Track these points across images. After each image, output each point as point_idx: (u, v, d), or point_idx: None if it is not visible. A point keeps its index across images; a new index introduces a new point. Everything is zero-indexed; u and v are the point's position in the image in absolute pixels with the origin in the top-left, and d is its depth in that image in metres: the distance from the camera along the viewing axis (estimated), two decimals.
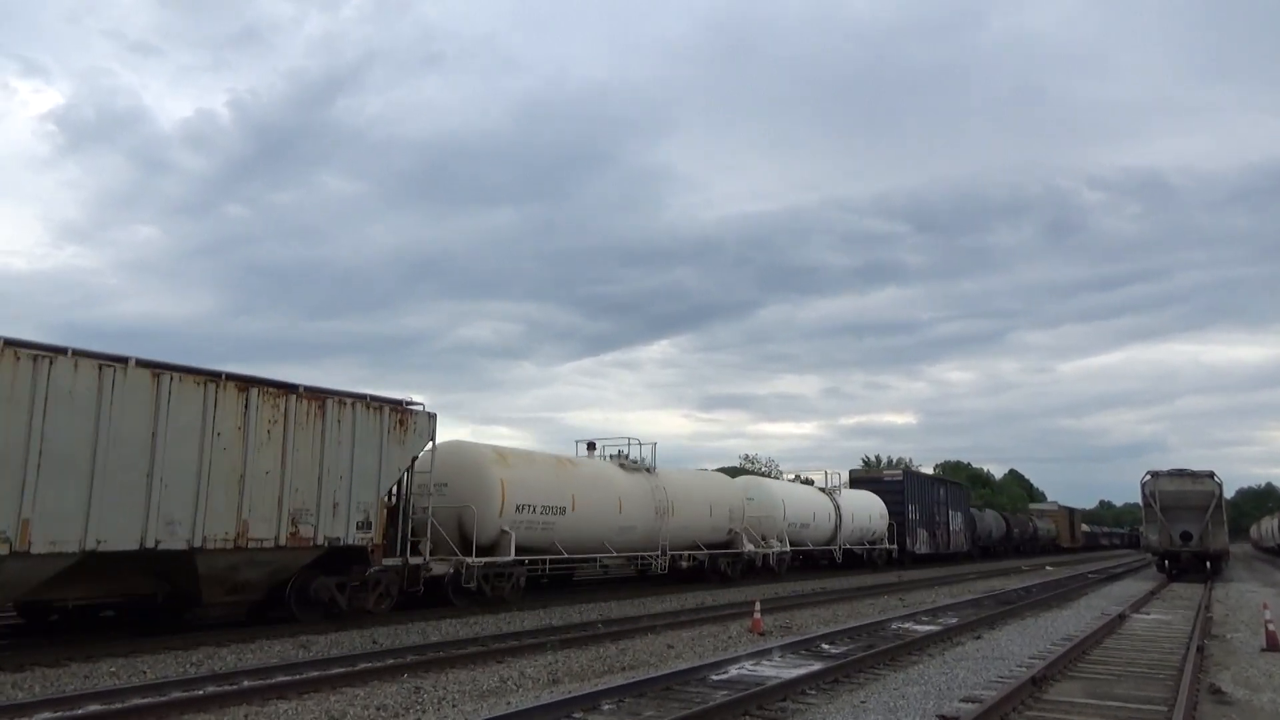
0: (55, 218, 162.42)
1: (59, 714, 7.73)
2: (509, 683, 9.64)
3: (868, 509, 35.35)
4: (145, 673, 9.94)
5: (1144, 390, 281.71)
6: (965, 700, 8.80)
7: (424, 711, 8.22)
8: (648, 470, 22.88)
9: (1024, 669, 10.52)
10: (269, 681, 9.13)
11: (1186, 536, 30.86)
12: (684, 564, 23.67)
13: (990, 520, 54.29)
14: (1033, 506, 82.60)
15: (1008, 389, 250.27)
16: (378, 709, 8.23)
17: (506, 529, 17.36)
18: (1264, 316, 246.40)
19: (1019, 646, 12.83)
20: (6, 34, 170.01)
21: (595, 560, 21.37)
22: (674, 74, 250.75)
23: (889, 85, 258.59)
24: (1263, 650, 13.05)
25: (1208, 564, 31.64)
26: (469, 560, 16.37)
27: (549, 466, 19.53)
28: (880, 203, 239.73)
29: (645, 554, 22.05)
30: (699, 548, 24.27)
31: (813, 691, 9.22)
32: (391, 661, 10.47)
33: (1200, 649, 12.66)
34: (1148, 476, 31.96)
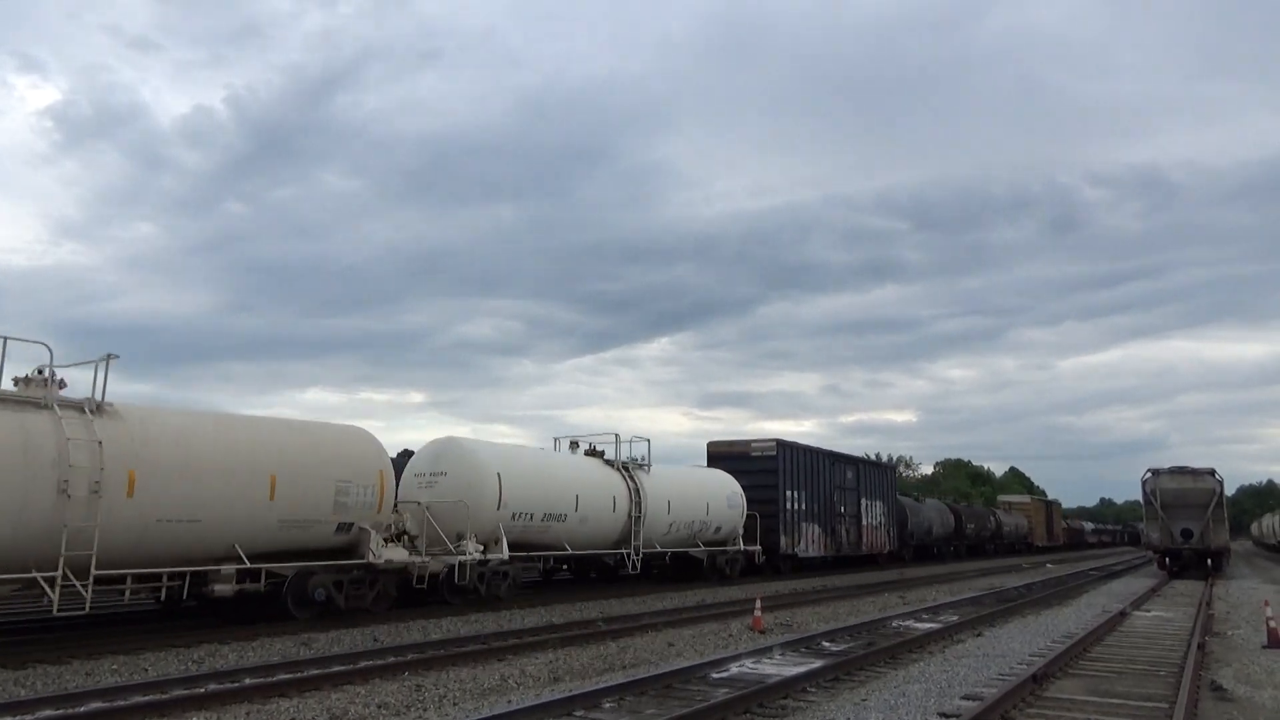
0: (54, 215, 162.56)
1: (61, 711, 7.73)
2: (510, 681, 9.65)
3: (703, 494, 24.38)
4: (147, 670, 9.96)
5: (1144, 387, 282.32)
6: (966, 698, 8.81)
7: (425, 709, 8.23)
8: (82, 411, 11.42)
9: (1025, 666, 10.52)
10: (270, 679, 9.14)
11: (1187, 534, 30.89)
12: (213, 591, 12.63)
13: (931, 513, 44.02)
14: (1001, 498, 71.78)
15: (1008, 386, 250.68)
16: (379, 707, 8.24)
17: None
18: (1265, 313, 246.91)
19: (1020, 644, 12.84)
20: (4, 30, 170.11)
21: None
22: (674, 70, 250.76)
23: (890, 82, 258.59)
24: (1264, 647, 13.04)
25: (1209, 561, 31.66)
26: None
27: None
28: (881, 200, 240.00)
29: (29, 576, 10.68)
30: (240, 560, 12.81)
31: (813, 689, 9.23)
32: (393, 659, 10.48)
33: (1201, 646, 12.66)
34: (1148, 474, 31.99)
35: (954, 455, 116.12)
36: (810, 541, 29.64)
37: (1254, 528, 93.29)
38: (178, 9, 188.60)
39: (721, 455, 28.85)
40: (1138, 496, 33.61)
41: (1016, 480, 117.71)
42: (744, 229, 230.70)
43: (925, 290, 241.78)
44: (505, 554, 17.30)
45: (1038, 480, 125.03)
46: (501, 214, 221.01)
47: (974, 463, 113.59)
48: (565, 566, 22.48)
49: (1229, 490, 33.62)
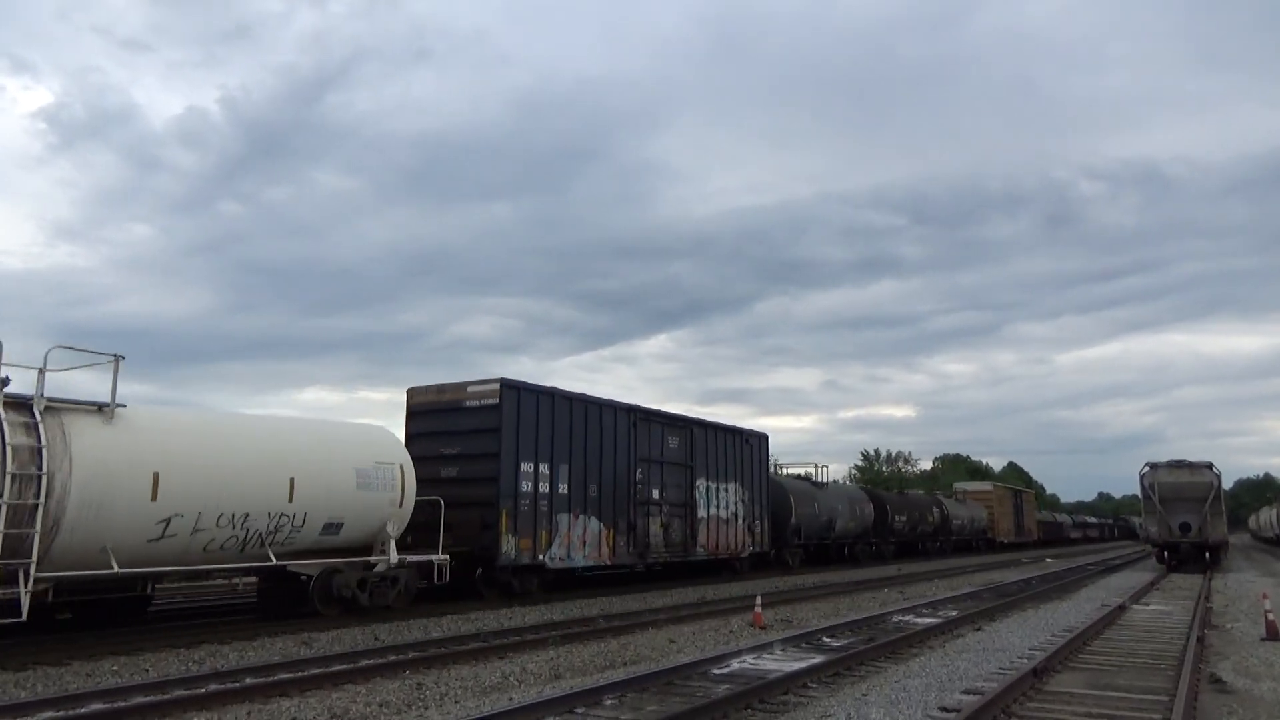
0: (48, 216, 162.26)
1: (61, 713, 7.73)
2: (511, 678, 9.65)
3: (278, 461, 13.23)
4: (148, 671, 9.96)
5: (1142, 381, 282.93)
6: (966, 692, 8.82)
7: (426, 707, 8.23)
8: None
9: (1025, 660, 10.54)
10: (271, 679, 9.14)
11: (1185, 528, 30.99)
12: None
13: (834, 501, 32.91)
14: (957, 485, 60.51)
15: (1006, 381, 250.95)
16: (380, 705, 8.24)
17: None
18: (1261, 306, 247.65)
19: (1019, 638, 12.86)
20: None
21: None
22: (668, 68, 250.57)
23: (886, 78, 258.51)
24: (1263, 639, 13.08)
25: (1207, 555, 31.76)
26: None
27: None
28: (878, 195, 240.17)
29: None
30: None
31: (814, 684, 9.23)
32: (394, 658, 10.48)
33: (1200, 639, 12.69)
34: (1146, 468, 32.09)
35: (954, 450, 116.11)
36: (577, 543, 19.31)
37: (1251, 521, 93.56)
38: (169, 10, 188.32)
39: (425, 409, 18.69)
40: (1136, 490, 33.69)
41: (1015, 474, 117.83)
42: (740, 226, 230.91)
43: (923, 285, 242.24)
44: None
45: (1036, 475, 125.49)
46: (498, 212, 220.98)
47: (973, 458, 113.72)
48: None
49: (1227, 483, 33.71)
